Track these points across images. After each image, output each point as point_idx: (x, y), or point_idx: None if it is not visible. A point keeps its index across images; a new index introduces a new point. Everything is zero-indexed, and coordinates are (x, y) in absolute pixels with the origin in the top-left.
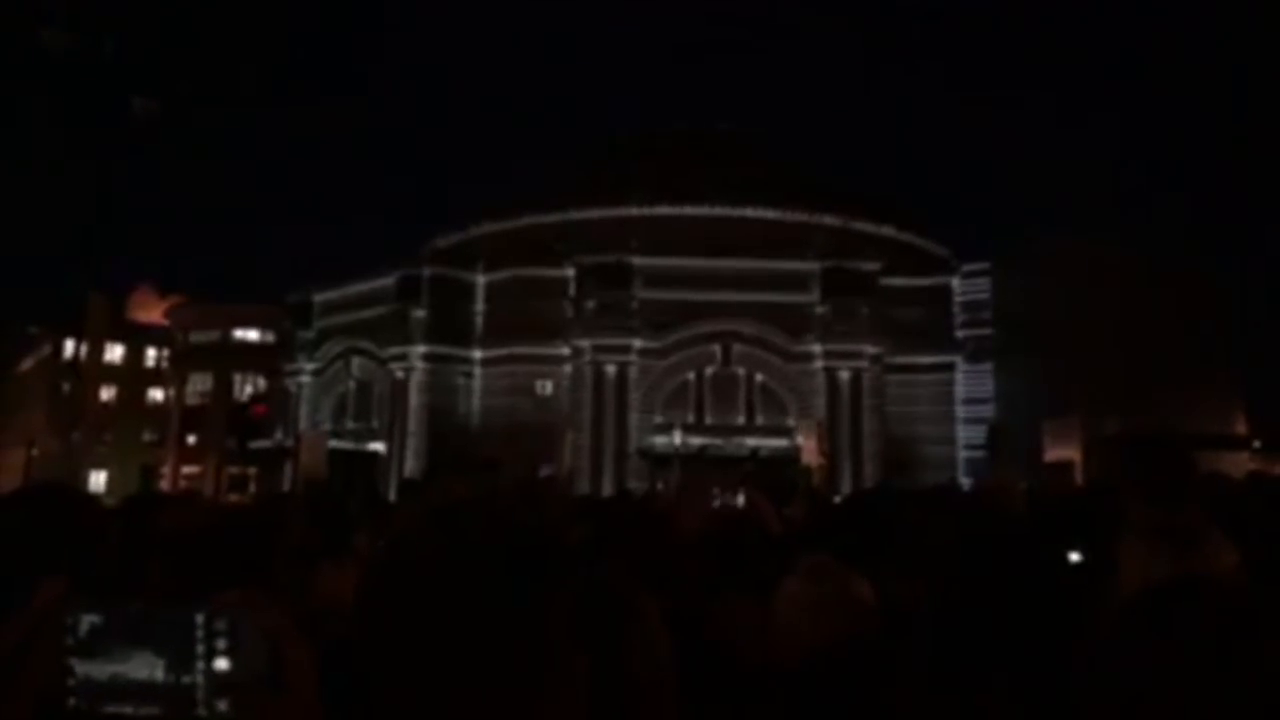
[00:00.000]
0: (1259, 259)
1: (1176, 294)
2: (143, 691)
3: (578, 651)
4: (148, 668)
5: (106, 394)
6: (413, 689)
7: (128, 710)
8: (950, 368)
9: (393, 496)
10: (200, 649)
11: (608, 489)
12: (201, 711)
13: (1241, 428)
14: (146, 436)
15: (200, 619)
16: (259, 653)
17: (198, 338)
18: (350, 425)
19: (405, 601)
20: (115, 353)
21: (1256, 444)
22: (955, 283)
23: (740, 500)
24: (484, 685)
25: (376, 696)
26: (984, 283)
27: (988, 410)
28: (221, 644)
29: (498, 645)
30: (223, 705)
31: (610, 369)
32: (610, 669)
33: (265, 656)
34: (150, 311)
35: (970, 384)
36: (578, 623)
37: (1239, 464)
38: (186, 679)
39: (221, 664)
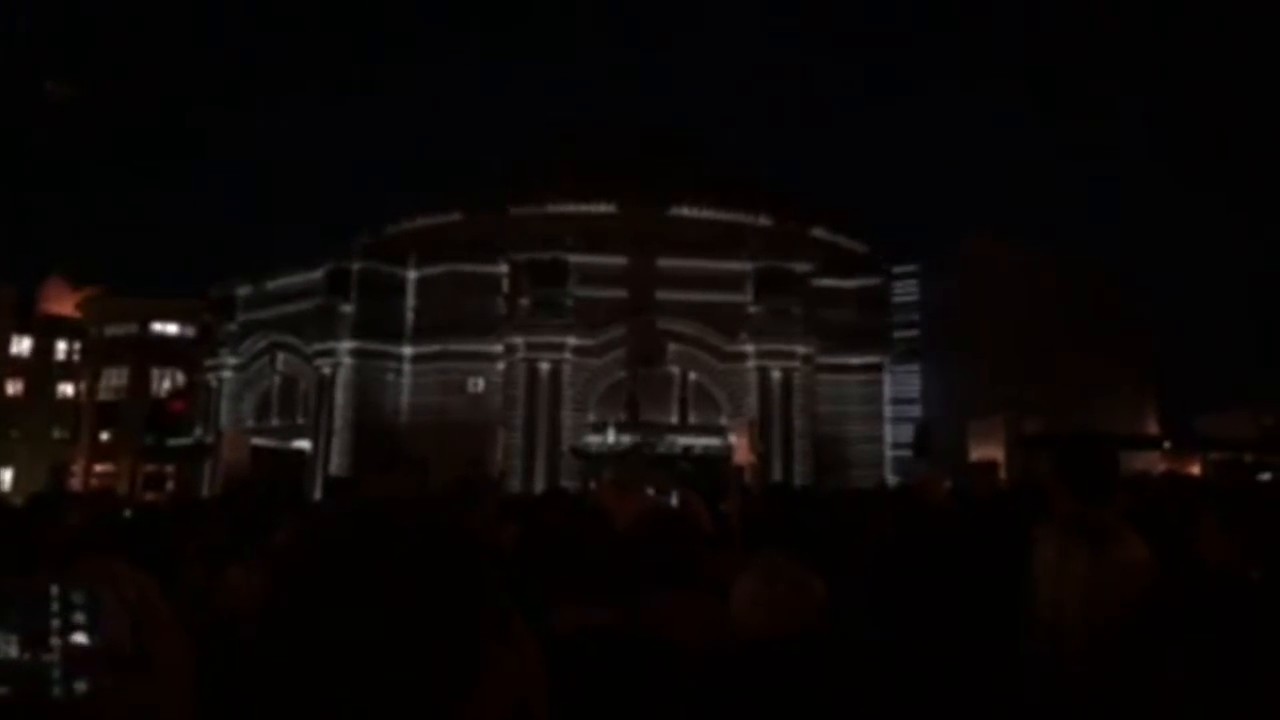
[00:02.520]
0: (1173, 264)
1: (1094, 297)
2: None
3: (509, 650)
4: (2, 645)
5: (13, 388)
6: (313, 698)
7: None
8: (879, 368)
9: (318, 495)
10: (56, 624)
11: (540, 488)
12: (57, 691)
13: (1154, 428)
14: (57, 433)
15: (55, 591)
16: (121, 626)
17: (113, 331)
18: (274, 422)
19: (322, 602)
20: (23, 345)
21: (1167, 444)
22: (885, 284)
23: (674, 500)
24: (400, 691)
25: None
26: (912, 284)
27: (916, 410)
28: (79, 618)
29: (423, 647)
30: (81, 685)
31: (544, 366)
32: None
33: (128, 631)
34: (63, 304)
35: (898, 384)
36: (504, 623)
37: (1151, 463)
38: (45, 656)
39: (79, 638)
